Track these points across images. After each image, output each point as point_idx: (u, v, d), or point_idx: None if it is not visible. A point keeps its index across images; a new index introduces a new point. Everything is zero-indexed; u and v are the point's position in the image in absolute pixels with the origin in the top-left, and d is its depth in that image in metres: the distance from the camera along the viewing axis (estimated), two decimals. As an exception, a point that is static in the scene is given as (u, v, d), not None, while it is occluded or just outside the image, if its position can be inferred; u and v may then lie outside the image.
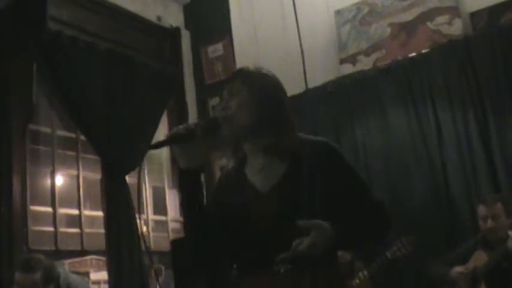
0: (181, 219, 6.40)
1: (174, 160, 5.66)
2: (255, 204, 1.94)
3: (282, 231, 1.83)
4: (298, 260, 1.78)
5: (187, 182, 1.95)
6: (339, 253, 2.06)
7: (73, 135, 6.07)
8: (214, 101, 5.70)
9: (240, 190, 2.00)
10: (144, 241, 6.21)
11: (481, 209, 3.82)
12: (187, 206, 1.98)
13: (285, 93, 2.06)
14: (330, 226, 1.79)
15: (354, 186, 1.97)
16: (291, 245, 1.76)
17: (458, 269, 3.81)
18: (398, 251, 3.99)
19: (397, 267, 4.14)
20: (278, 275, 1.81)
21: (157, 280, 5.44)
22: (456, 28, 4.64)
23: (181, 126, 1.89)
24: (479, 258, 3.78)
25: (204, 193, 1.98)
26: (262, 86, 1.99)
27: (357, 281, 4.04)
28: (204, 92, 5.88)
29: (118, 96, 4.99)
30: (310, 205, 1.86)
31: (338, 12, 5.22)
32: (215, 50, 5.87)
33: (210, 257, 2.11)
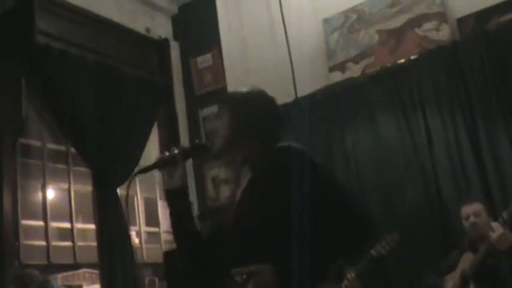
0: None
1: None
2: (230, 214, 2.07)
3: (239, 240, 1.96)
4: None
5: (174, 200, 2.18)
6: None
7: (63, 148, 6.04)
8: (205, 111, 5.70)
9: (231, 202, 2.13)
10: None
11: (463, 210, 3.93)
12: (177, 223, 2.19)
13: (265, 108, 2.14)
14: (271, 269, 1.82)
15: (328, 196, 1.94)
16: (247, 255, 1.87)
17: (449, 283, 3.84)
18: (382, 248, 4.08)
19: (384, 264, 4.21)
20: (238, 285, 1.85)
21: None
22: (444, 34, 4.66)
23: (165, 153, 2.18)
24: (467, 260, 3.82)
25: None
26: (238, 106, 2.14)
27: (345, 281, 4.06)
28: (194, 102, 5.88)
29: (108, 108, 4.96)
30: (265, 213, 1.93)
31: (326, 21, 5.23)
32: (204, 60, 5.86)
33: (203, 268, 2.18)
